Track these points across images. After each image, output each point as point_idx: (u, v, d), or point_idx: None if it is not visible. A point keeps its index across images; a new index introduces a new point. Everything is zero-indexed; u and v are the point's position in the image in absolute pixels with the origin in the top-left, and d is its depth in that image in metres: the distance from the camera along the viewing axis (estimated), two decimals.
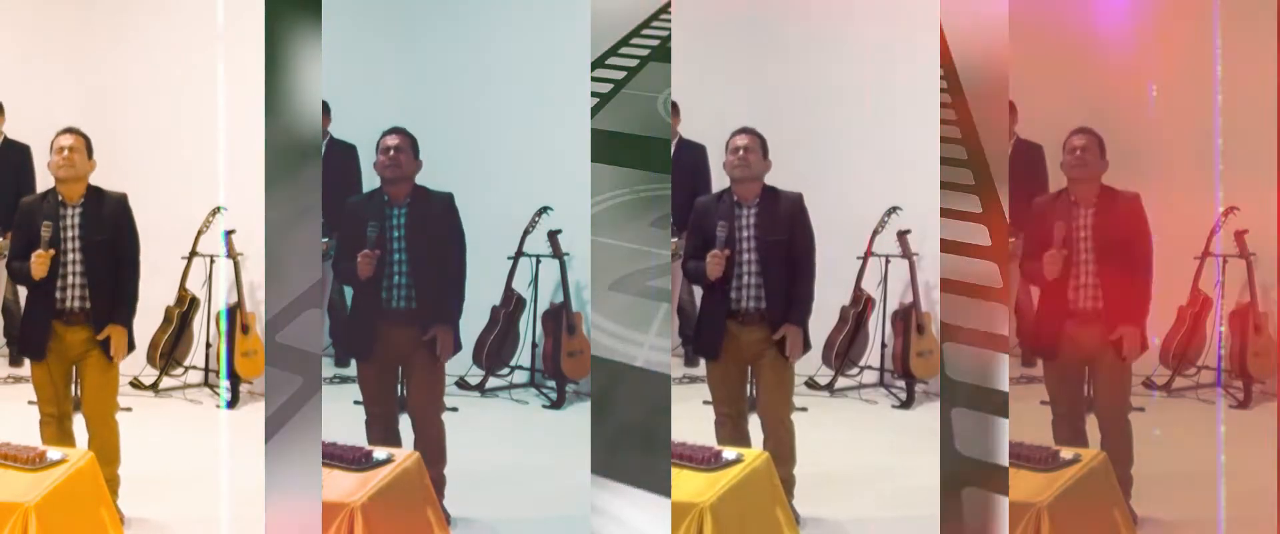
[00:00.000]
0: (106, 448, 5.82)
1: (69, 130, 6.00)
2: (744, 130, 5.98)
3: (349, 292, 8.78)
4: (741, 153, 5.89)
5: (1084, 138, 5.97)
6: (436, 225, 5.89)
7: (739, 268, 5.85)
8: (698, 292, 9.09)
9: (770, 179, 6.03)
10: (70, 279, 5.87)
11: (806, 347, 5.98)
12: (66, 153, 5.89)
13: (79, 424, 5.95)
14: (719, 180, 9.00)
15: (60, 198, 5.93)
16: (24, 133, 8.84)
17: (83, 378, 5.92)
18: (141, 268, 5.97)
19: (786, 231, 5.85)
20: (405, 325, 5.83)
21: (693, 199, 8.87)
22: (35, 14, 9.14)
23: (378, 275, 5.85)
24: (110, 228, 5.90)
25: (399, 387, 6.10)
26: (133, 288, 5.99)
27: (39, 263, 5.82)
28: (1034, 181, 8.64)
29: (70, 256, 5.87)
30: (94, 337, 5.86)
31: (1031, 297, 8.75)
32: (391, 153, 5.89)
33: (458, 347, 6.00)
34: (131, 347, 6.01)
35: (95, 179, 6.06)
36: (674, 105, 8.58)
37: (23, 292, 8.92)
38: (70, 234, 5.88)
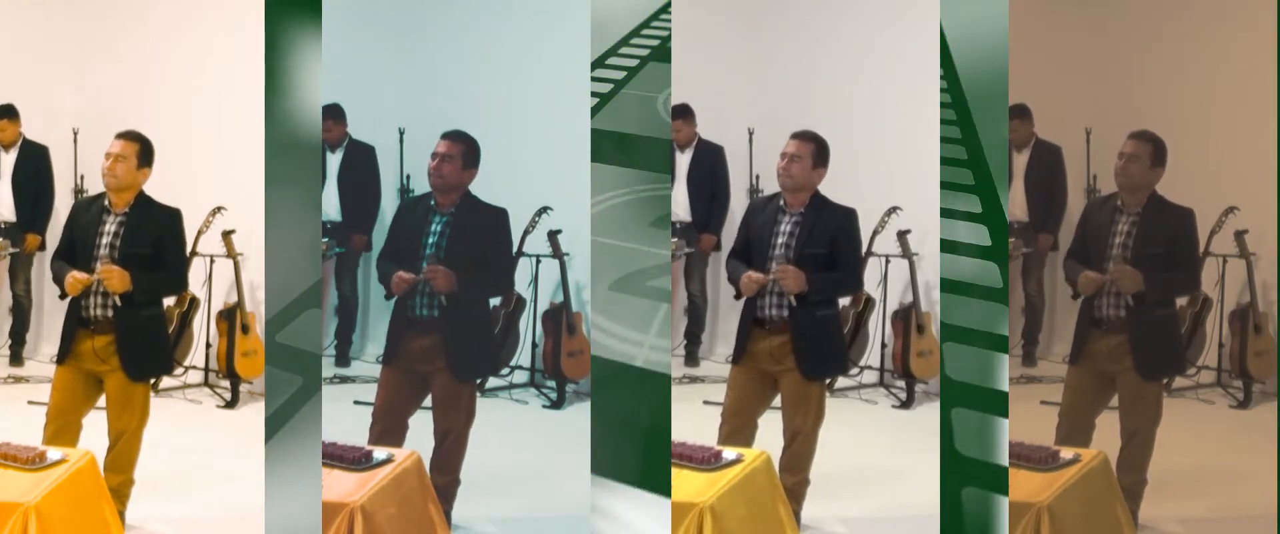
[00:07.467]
0: (120, 460, 5.73)
1: (122, 136, 5.75)
2: (797, 135, 5.78)
3: (359, 289, 8.91)
4: (786, 161, 5.74)
5: (1134, 144, 5.71)
6: (481, 239, 5.72)
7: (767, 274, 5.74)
8: (703, 289, 9.16)
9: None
10: (95, 287, 5.66)
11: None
12: (111, 160, 5.68)
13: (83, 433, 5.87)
14: (737, 182, 9.04)
15: (106, 203, 5.75)
16: (25, 133, 8.85)
17: (106, 391, 5.75)
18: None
19: (826, 245, 5.68)
20: (426, 335, 5.70)
21: (711, 202, 8.92)
22: (36, 14, 9.14)
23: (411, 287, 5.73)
24: (151, 242, 5.68)
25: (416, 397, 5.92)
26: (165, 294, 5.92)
27: (73, 283, 5.65)
28: (1053, 183, 8.66)
29: (98, 265, 5.63)
30: (115, 349, 5.66)
31: (1044, 295, 8.79)
32: (437, 160, 5.71)
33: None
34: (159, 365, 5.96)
35: (97, 179, 5.98)
36: (689, 108, 8.60)
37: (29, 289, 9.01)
38: (104, 240, 5.67)
